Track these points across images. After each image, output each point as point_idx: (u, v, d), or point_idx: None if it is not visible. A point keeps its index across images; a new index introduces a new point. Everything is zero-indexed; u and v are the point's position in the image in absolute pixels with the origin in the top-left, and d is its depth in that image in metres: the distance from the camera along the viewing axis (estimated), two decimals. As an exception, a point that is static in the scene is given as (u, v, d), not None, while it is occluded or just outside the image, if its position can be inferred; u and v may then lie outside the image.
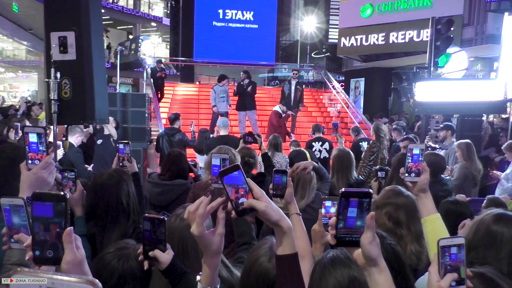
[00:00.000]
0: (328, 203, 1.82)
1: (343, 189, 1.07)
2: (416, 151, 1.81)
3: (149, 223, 1.49)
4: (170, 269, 1.47)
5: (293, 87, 10.41)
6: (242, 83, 10.31)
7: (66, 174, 2.17)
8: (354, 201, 1.06)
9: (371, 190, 1.07)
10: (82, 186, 2.20)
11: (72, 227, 1.02)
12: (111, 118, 5.73)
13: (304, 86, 12.38)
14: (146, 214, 1.50)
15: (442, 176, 3.64)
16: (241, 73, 10.73)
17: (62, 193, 1.01)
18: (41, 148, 1.53)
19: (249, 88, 10.11)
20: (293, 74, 10.85)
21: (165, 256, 1.47)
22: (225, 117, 10.36)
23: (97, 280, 0.68)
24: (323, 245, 1.79)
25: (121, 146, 2.76)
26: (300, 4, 22.66)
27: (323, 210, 1.79)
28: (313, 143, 6.62)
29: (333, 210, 1.77)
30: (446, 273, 1.13)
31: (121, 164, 2.72)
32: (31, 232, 1.03)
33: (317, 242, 1.79)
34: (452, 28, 7.09)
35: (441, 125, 6.55)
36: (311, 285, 1.28)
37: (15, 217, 1.25)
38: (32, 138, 1.52)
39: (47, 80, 3.45)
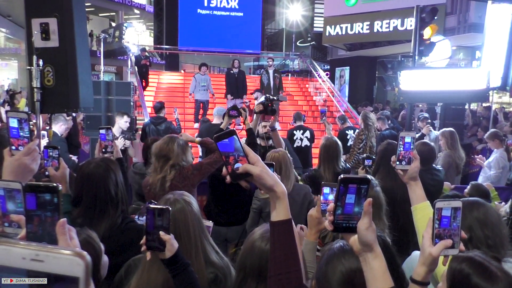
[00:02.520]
0: (326, 190, 1.82)
1: (342, 176, 1.08)
2: (408, 139, 1.82)
3: (152, 213, 1.47)
4: (173, 260, 1.48)
5: (271, 76, 10.38)
6: (232, 71, 10.33)
7: (50, 152, 2.17)
8: (352, 188, 1.07)
9: (369, 177, 1.08)
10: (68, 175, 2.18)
11: (65, 219, 1.00)
12: (121, 120, 5.52)
13: (282, 74, 12.41)
14: (149, 205, 1.50)
15: (434, 165, 3.66)
16: (235, 61, 10.72)
17: (54, 184, 0.99)
18: (21, 134, 1.48)
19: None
20: (268, 62, 10.81)
21: (174, 244, 1.48)
22: (206, 105, 10.42)
23: (85, 253, 0.64)
24: (318, 231, 1.80)
25: (102, 132, 2.67)
26: (286, -8, 22.52)
27: (321, 197, 1.80)
28: (295, 132, 6.64)
29: (331, 197, 1.77)
30: (440, 237, 1.14)
31: (103, 150, 2.66)
32: (25, 224, 1.01)
33: (312, 228, 1.79)
34: (436, 17, 7.14)
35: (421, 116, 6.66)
36: (319, 273, 1.29)
37: (10, 203, 1.22)
38: (13, 123, 1.47)
39: (29, 67, 3.37)
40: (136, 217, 2.32)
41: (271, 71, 10.48)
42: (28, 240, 1.00)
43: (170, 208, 1.48)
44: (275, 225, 1.15)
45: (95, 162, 2.10)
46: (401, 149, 1.83)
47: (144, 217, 1.51)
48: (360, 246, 1.11)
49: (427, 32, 6.90)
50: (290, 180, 3.00)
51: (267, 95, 4.08)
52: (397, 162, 1.83)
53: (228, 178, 1.09)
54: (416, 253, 1.92)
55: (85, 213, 2.03)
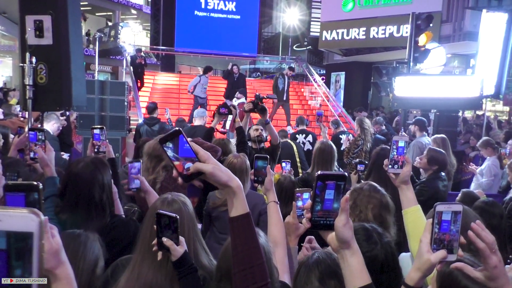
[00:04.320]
0: (305, 195, 1.83)
1: (319, 172, 1.07)
2: (401, 143, 1.83)
3: (161, 219, 1.53)
4: (180, 262, 1.53)
5: (286, 82, 10.67)
6: (234, 74, 10.57)
7: (39, 136, 2.23)
8: (330, 184, 1.07)
9: (345, 173, 1.08)
10: (57, 174, 2.16)
11: (47, 217, 0.98)
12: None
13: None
14: (159, 211, 1.55)
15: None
16: (234, 66, 10.82)
17: (34, 183, 0.98)
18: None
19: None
20: (289, 71, 11.05)
21: (178, 249, 1.53)
22: (205, 105, 10.48)
23: (38, 210, 0.70)
24: (298, 237, 1.81)
25: (96, 131, 2.64)
26: (283, -4, 22.60)
27: (299, 203, 1.80)
28: (297, 135, 6.65)
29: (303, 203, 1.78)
30: (438, 242, 1.12)
31: (95, 150, 2.63)
32: None
33: (291, 234, 1.79)
34: (431, 24, 7.20)
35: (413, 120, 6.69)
36: (295, 286, 1.28)
37: None
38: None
39: (22, 65, 3.35)
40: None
41: (286, 77, 10.73)
42: None
43: (178, 217, 1.54)
44: (233, 221, 1.12)
45: (85, 162, 2.04)
46: (394, 153, 1.83)
47: None
48: (338, 243, 1.11)
49: (422, 39, 6.96)
50: (244, 188, 2.95)
51: (257, 93, 4.08)
52: (390, 166, 1.83)
53: (180, 179, 1.06)
54: (403, 255, 1.92)
55: (68, 211, 1.99)
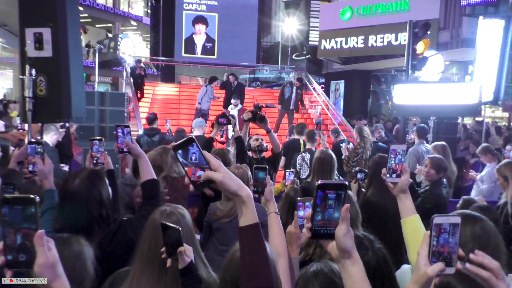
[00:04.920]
0: (307, 204, 1.81)
1: (319, 182, 1.07)
2: (398, 152, 1.82)
3: (164, 232, 1.56)
4: (186, 271, 1.55)
5: (294, 91, 10.91)
6: (231, 84, 10.73)
7: (38, 149, 2.25)
8: (331, 193, 1.06)
9: (346, 182, 1.08)
10: (56, 186, 2.16)
11: (43, 230, 0.99)
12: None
13: (273, 86, 12.87)
14: (163, 222, 1.57)
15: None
16: (230, 75, 10.92)
17: (31, 196, 0.98)
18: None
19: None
20: (297, 82, 11.32)
21: (185, 258, 1.55)
22: (207, 116, 10.54)
23: None
24: (299, 247, 1.79)
25: (95, 143, 2.61)
26: (281, 6, 22.75)
27: (300, 212, 1.79)
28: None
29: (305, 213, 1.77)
30: (437, 255, 1.10)
31: (94, 162, 2.62)
32: (2, 236, 1.00)
33: (293, 244, 1.78)
34: (428, 32, 7.24)
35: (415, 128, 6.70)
36: None
37: None
38: None
39: (22, 77, 3.36)
40: None
41: (295, 87, 10.96)
42: (5, 252, 0.99)
43: (180, 229, 1.56)
44: (243, 230, 1.13)
45: (80, 178, 1.99)
46: (392, 162, 1.82)
47: None
48: (338, 253, 1.10)
49: (420, 47, 6.99)
50: None
51: (256, 103, 4.09)
52: (388, 175, 1.83)
53: (191, 187, 1.08)
54: (405, 267, 1.90)
55: (68, 229, 1.95)
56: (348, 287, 1.11)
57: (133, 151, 2.27)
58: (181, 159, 1.07)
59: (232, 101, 9.80)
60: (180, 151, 1.07)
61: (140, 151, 2.30)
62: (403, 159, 1.83)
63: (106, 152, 2.66)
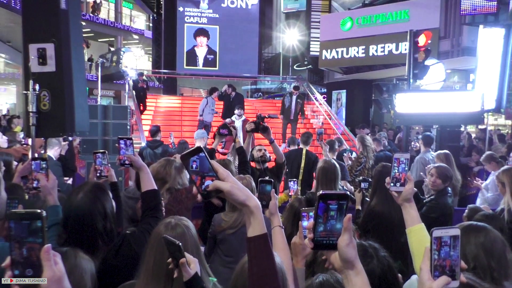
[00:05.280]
0: (312, 214, 1.80)
1: (321, 192, 1.07)
2: (402, 161, 1.81)
3: (167, 246, 1.57)
4: (190, 283, 1.54)
5: (294, 100, 11.03)
6: (229, 95, 10.66)
7: (43, 164, 2.27)
8: (332, 204, 1.06)
9: (348, 192, 1.07)
10: (58, 201, 2.16)
11: (50, 245, 0.99)
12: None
13: (275, 96, 12.95)
14: (165, 236, 1.57)
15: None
16: (227, 86, 10.98)
17: (38, 210, 0.99)
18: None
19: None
20: (294, 90, 11.43)
21: (188, 271, 1.53)
22: (209, 127, 10.57)
23: None
24: (304, 258, 1.78)
25: (98, 156, 2.62)
26: (282, 17, 22.94)
27: (305, 223, 1.78)
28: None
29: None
30: (439, 269, 1.08)
31: (98, 175, 2.62)
32: (9, 251, 1.00)
33: (298, 256, 1.77)
34: (429, 41, 7.26)
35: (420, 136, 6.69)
36: None
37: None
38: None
39: (25, 92, 3.39)
40: None
41: (294, 96, 11.08)
42: (13, 266, 0.99)
43: (181, 244, 1.55)
44: (251, 241, 1.12)
45: (84, 192, 1.99)
46: (396, 170, 1.81)
47: None
48: (341, 263, 1.09)
49: (421, 40, 6.91)
50: None
51: (258, 113, 4.11)
52: (391, 184, 1.82)
53: (199, 196, 1.09)
54: (415, 277, 1.88)
55: (73, 243, 1.94)
56: None
57: (135, 163, 2.28)
58: (189, 168, 1.07)
59: (236, 111, 9.81)
60: (188, 160, 1.07)
61: (142, 163, 2.31)
62: (406, 168, 1.82)
63: (109, 165, 2.67)
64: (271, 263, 1.11)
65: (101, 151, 2.66)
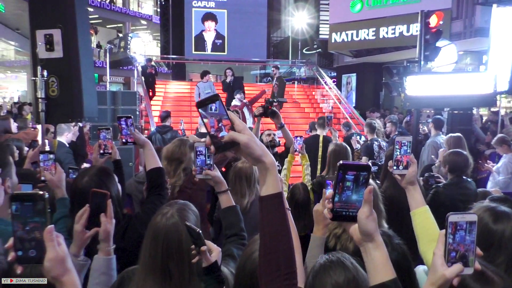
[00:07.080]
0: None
1: (341, 162, 1.04)
2: (404, 143, 1.80)
3: (190, 233, 1.54)
4: (208, 270, 1.52)
5: (274, 83, 10.43)
6: (226, 80, 10.40)
7: (50, 157, 2.27)
8: (351, 174, 1.04)
9: (369, 163, 1.05)
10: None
11: (52, 226, 1.00)
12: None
13: (288, 81, 12.59)
14: (186, 223, 1.53)
15: (465, 177, 3.44)
16: (227, 70, 10.79)
17: (40, 192, 1.00)
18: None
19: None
20: (273, 70, 10.90)
21: (209, 258, 1.52)
22: None
23: None
24: (326, 226, 1.77)
25: (103, 131, 2.61)
26: (291, 0, 22.63)
27: (328, 190, 1.76)
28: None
29: None
30: (453, 255, 1.06)
31: (102, 152, 2.61)
32: (13, 232, 1.02)
33: (320, 223, 1.76)
34: (441, 22, 7.10)
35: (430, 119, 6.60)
36: (307, 286, 1.24)
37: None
38: None
39: (34, 78, 3.41)
40: None
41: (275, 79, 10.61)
42: (15, 246, 1.00)
43: (200, 232, 1.52)
44: (263, 200, 1.05)
45: (89, 176, 1.98)
46: (398, 153, 1.80)
47: None
48: (361, 236, 1.07)
49: (433, 20, 6.76)
50: (253, 194, 2.88)
51: (267, 98, 4.05)
52: (394, 167, 1.81)
53: (212, 148, 0.99)
54: (421, 268, 1.85)
55: None
56: (370, 271, 1.07)
57: (138, 140, 2.27)
58: (204, 117, 0.99)
59: (237, 96, 9.31)
60: (203, 108, 1.00)
61: (145, 139, 2.30)
62: (409, 150, 1.81)
63: (112, 140, 2.67)
64: (283, 225, 1.05)
65: (105, 127, 2.66)
